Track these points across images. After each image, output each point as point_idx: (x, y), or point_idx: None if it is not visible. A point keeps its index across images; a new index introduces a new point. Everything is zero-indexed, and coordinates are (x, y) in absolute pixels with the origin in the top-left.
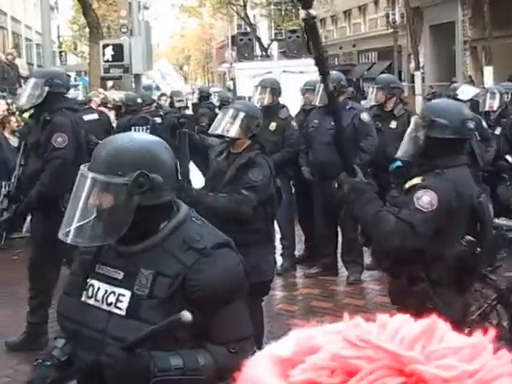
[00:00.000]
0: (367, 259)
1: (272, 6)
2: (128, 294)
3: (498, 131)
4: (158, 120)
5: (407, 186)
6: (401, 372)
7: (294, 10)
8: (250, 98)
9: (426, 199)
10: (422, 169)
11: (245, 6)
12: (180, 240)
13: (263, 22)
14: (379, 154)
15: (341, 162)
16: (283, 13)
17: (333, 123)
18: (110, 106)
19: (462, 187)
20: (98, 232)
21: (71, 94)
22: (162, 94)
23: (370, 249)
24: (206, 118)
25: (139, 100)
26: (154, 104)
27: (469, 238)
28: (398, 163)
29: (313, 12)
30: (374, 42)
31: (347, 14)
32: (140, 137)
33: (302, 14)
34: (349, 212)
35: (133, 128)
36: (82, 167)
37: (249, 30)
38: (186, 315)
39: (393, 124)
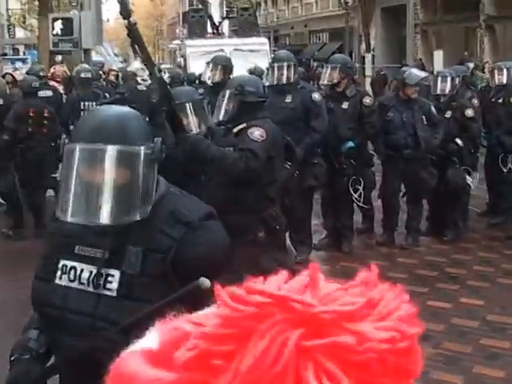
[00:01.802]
0: (315, 239)
1: None
2: (117, 273)
3: (448, 114)
4: (108, 95)
5: (235, 130)
6: (298, 323)
7: None
8: (200, 75)
9: (257, 132)
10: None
11: None
12: (165, 213)
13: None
14: (330, 134)
15: (170, 124)
16: None
17: (287, 100)
18: (58, 79)
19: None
20: (128, 208)
21: (19, 67)
22: (111, 70)
23: None
24: (156, 93)
25: (89, 74)
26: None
27: (289, 163)
28: (351, 144)
29: (133, 20)
30: (325, 23)
31: None
32: (121, 107)
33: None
34: (297, 191)
35: (82, 103)
36: (76, 144)
37: (201, 7)
38: (206, 282)
39: (344, 104)
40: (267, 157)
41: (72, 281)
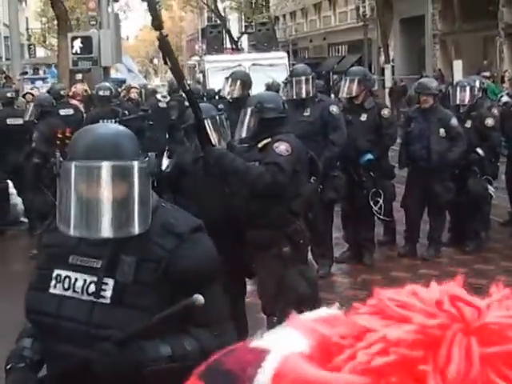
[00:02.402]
0: (337, 252)
1: None
2: (111, 281)
3: (468, 124)
4: (127, 113)
5: (260, 145)
6: (472, 331)
7: (263, 3)
8: (219, 90)
9: (283, 147)
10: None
11: None
12: (157, 225)
13: (233, 15)
14: (349, 146)
15: (197, 136)
16: (253, 5)
17: (306, 114)
18: (79, 98)
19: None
20: (128, 221)
21: (40, 86)
22: (132, 87)
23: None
24: (175, 110)
25: (108, 92)
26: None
27: (313, 178)
28: (369, 156)
29: (164, 32)
30: (344, 35)
31: (317, 6)
32: (113, 125)
33: (157, 33)
34: (318, 205)
35: (101, 120)
36: (74, 162)
37: (219, 22)
38: (199, 299)
39: (363, 117)
40: (292, 171)
41: (66, 289)
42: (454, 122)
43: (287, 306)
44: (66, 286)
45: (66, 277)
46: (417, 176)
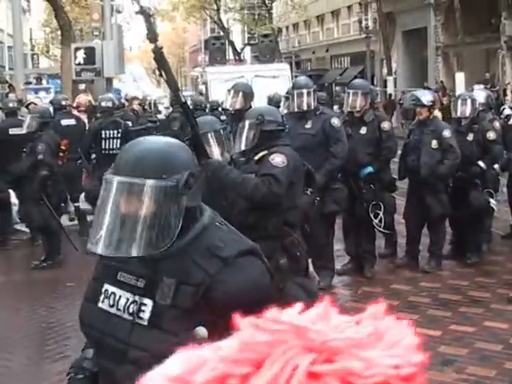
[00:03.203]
0: (338, 264)
1: (245, 11)
2: (150, 303)
3: (470, 137)
4: (130, 124)
5: (257, 158)
6: (311, 349)
7: (267, 15)
8: (222, 102)
9: (279, 159)
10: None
11: (218, 10)
12: (203, 247)
13: (236, 26)
14: (349, 159)
15: (193, 149)
16: (256, 17)
17: (307, 126)
18: (82, 108)
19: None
20: (148, 240)
21: (43, 97)
22: (134, 98)
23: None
24: (177, 121)
25: (110, 103)
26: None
27: (310, 189)
28: (370, 169)
29: (159, 44)
30: (346, 47)
31: (320, 18)
32: (166, 139)
33: (152, 46)
34: (318, 217)
35: (103, 132)
36: (106, 174)
37: (222, 34)
38: (202, 332)
39: (363, 130)
40: (288, 182)
41: (111, 306)
42: (446, 133)
43: None
44: (111, 302)
45: (112, 293)
46: (413, 188)
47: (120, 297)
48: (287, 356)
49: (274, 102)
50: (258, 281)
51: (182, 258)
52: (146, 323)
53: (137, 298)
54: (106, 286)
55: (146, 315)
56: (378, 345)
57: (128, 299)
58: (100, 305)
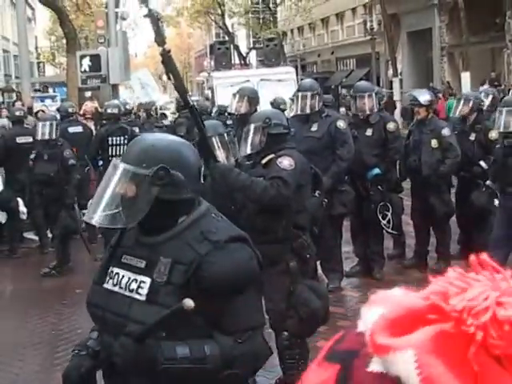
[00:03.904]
0: (346, 266)
1: (250, 15)
2: (148, 280)
3: (472, 137)
4: (137, 130)
5: (264, 161)
6: (502, 291)
7: (271, 19)
8: (227, 106)
9: (286, 162)
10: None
11: (223, 14)
12: (197, 232)
13: (241, 31)
14: (356, 161)
15: (201, 152)
16: (261, 21)
17: (313, 129)
18: (89, 116)
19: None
20: (120, 216)
21: (49, 104)
22: (141, 104)
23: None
24: (183, 127)
25: (116, 110)
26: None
27: (318, 192)
28: (377, 170)
29: (167, 47)
30: (352, 49)
31: (325, 21)
32: (172, 137)
33: (160, 49)
34: (326, 219)
35: (110, 138)
36: (114, 159)
37: (227, 38)
38: (188, 303)
39: (368, 131)
40: (296, 185)
41: (115, 285)
42: (446, 132)
43: (300, 321)
44: (115, 282)
45: (116, 273)
46: (416, 188)
47: (123, 276)
48: (484, 288)
49: (275, 105)
50: (245, 265)
51: (178, 241)
52: (144, 298)
53: (137, 276)
54: (112, 268)
55: (144, 291)
56: None
57: (129, 278)
58: (105, 285)
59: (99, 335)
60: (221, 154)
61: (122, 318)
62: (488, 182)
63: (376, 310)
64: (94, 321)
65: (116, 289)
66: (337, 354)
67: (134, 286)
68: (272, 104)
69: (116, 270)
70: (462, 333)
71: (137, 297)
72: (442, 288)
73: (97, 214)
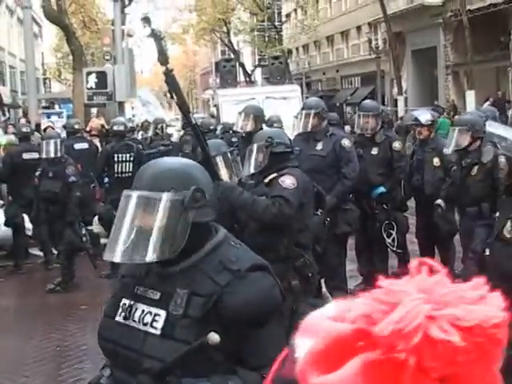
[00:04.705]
0: (351, 285)
1: (255, 33)
2: (163, 313)
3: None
4: (141, 147)
5: (267, 180)
6: (430, 301)
7: (276, 37)
8: (233, 124)
9: (288, 181)
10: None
11: (228, 32)
12: (216, 261)
13: (247, 49)
14: (361, 180)
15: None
16: (266, 39)
17: (318, 148)
18: (95, 133)
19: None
20: (154, 249)
21: (55, 121)
22: (145, 121)
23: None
24: (189, 145)
25: (122, 127)
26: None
27: (320, 210)
28: (382, 189)
29: (169, 66)
30: (356, 67)
31: (330, 39)
32: (182, 159)
33: (163, 68)
34: (330, 238)
35: (116, 155)
36: (125, 190)
37: (232, 56)
38: (213, 337)
39: (374, 150)
40: (299, 204)
41: (127, 318)
42: (447, 150)
43: None
44: (127, 314)
45: (129, 306)
46: (420, 207)
47: (136, 309)
48: (414, 303)
49: (269, 123)
50: (267, 295)
51: (195, 271)
52: (158, 333)
53: (151, 309)
54: (124, 301)
55: (159, 325)
56: (479, 302)
57: (143, 311)
58: (117, 318)
59: (112, 372)
60: (224, 173)
61: (136, 353)
62: (439, 201)
63: (305, 340)
64: (106, 355)
65: (129, 322)
66: (279, 381)
67: (148, 319)
68: (266, 122)
69: (129, 302)
70: (394, 360)
71: (151, 331)
72: (370, 308)
73: (121, 251)
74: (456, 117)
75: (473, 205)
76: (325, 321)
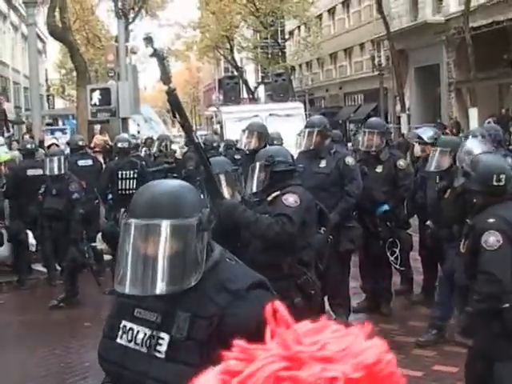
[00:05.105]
0: (354, 302)
1: (258, 50)
2: (167, 337)
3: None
4: (144, 163)
5: (269, 198)
6: (289, 358)
7: (280, 54)
8: (236, 141)
9: (291, 199)
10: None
11: (231, 49)
12: (215, 280)
13: (250, 65)
14: (365, 197)
15: (207, 189)
16: (269, 56)
17: (321, 165)
18: (98, 149)
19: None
20: (175, 278)
21: (59, 137)
22: (149, 138)
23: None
24: (192, 161)
25: (126, 144)
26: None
27: (323, 228)
28: (386, 207)
29: (172, 86)
30: (360, 85)
31: (333, 56)
32: (176, 181)
33: (166, 87)
34: (334, 255)
35: (120, 172)
36: (125, 220)
37: (236, 73)
38: None
39: (378, 168)
40: (301, 222)
41: (129, 341)
42: (428, 169)
43: None
44: (129, 337)
45: (130, 329)
46: (423, 224)
47: (138, 332)
48: (267, 360)
49: (269, 141)
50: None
51: (195, 293)
52: (163, 356)
53: (154, 332)
54: (124, 323)
55: (163, 348)
56: (342, 358)
57: (146, 334)
58: (118, 340)
59: None
60: (226, 192)
61: (142, 376)
62: (428, 222)
63: None
64: (108, 375)
65: (131, 345)
66: None
67: (151, 342)
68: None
69: (129, 324)
70: None
71: (156, 354)
72: (228, 368)
73: (160, 282)
74: (442, 137)
75: (445, 226)
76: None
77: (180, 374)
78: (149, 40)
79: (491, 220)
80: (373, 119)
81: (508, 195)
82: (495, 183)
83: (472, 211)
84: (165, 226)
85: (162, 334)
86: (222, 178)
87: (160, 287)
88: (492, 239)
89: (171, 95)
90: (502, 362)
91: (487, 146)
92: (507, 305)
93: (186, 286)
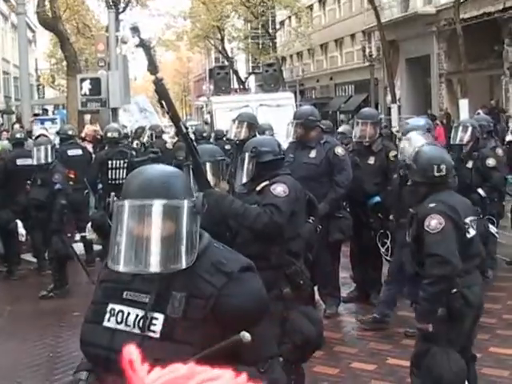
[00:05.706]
0: (344, 292)
1: (249, 40)
2: (161, 317)
3: (469, 165)
4: (134, 153)
5: (258, 188)
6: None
7: (270, 44)
8: (226, 131)
9: (279, 188)
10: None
11: (222, 39)
12: (208, 263)
13: (241, 56)
14: (356, 188)
15: (195, 179)
16: (260, 46)
17: (311, 155)
18: (88, 139)
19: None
20: (173, 257)
21: (49, 127)
22: (139, 128)
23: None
24: (182, 151)
25: (116, 134)
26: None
27: (312, 218)
28: (377, 199)
29: (159, 76)
30: (350, 75)
31: (324, 47)
32: (165, 166)
33: (153, 77)
34: (324, 245)
35: (110, 161)
36: (119, 202)
37: (226, 63)
38: (246, 336)
39: (370, 159)
40: (290, 211)
41: (119, 323)
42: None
43: (294, 347)
44: (119, 319)
45: (119, 311)
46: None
47: (129, 313)
48: None
49: (260, 131)
50: (259, 294)
51: (189, 274)
52: (158, 336)
53: (147, 313)
54: (112, 306)
55: (157, 328)
56: None
57: (138, 315)
58: (106, 324)
59: (91, 375)
60: (213, 181)
61: None
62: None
63: None
64: (91, 361)
65: (121, 327)
66: None
67: (144, 322)
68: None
69: (119, 307)
70: None
71: (150, 334)
72: None
73: (157, 261)
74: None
75: (405, 216)
76: None
77: (176, 352)
78: (135, 30)
79: (432, 205)
80: (366, 109)
81: (449, 184)
82: (436, 174)
83: (416, 201)
84: (158, 205)
85: (156, 315)
86: (208, 166)
87: (155, 265)
88: (434, 222)
89: (158, 85)
90: (439, 346)
91: (429, 139)
92: (454, 290)
93: (182, 266)
